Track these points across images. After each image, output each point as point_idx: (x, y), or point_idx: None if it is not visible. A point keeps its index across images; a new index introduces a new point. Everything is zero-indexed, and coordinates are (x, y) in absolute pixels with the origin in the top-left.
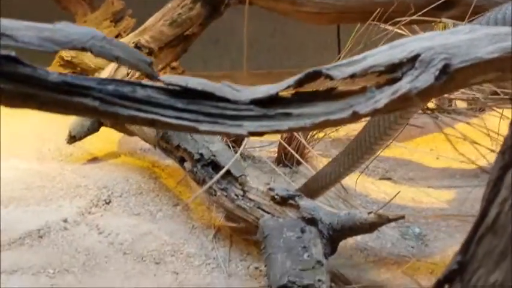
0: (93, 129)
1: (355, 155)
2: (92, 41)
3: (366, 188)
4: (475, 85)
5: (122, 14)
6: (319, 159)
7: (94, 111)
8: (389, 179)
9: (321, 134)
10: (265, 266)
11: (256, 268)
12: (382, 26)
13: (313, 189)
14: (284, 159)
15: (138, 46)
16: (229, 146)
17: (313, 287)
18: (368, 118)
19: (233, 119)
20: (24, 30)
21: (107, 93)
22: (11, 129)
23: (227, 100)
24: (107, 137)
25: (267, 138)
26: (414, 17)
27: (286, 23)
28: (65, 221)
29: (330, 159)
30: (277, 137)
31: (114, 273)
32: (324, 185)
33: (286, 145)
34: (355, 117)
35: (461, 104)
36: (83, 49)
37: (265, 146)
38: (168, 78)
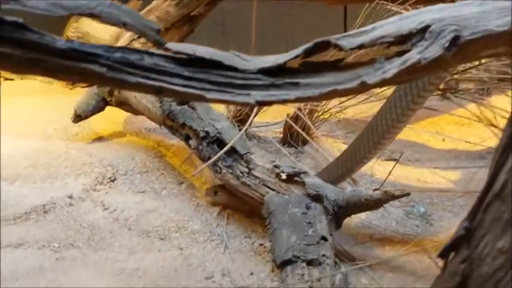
0: (98, 108)
1: (376, 135)
2: (99, 7)
3: (372, 168)
4: (484, 58)
5: None
6: (324, 139)
7: (101, 77)
8: (395, 160)
9: (326, 115)
10: (270, 241)
11: (261, 245)
12: (390, 6)
13: (334, 174)
14: (290, 139)
15: None
16: (234, 125)
17: (318, 261)
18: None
19: (241, 88)
20: None
21: (114, 60)
22: (16, 109)
23: (235, 69)
24: (112, 117)
25: (272, 118)
26: None
27: (294, 7)
28: (70, 197)
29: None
30: (282, 117)
31: (119, 248)
32: (345, 170)
33: (292, 124)
34: (363, 87)
35: (467, 86)
36: (91, 15)
37: (270, 126)
38: (176, 46)
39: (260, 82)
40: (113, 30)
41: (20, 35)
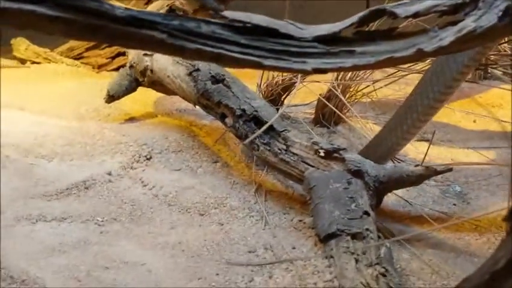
0: (131, 89)
1: (416, 113)
2: None
3: (405, 148)
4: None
5: None
6: (357, 120)
7: (161, 44)
8: (427, 140)
9: (358, 96)
10: (311, 216)
11: (300, 221)
12: None
13: (376, 154)
14: (322, 119)
15: (172, 9)
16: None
17: (362, 235)
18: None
19: (297, 55)
20: None
21: (172, 27)
22: (46, 91)
23: (291, 37)
24: (143, 99)
25: (302, 100)
26: None
27: None
28: (109, 174)
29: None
30: (314, 98)
31: (160, 223)
32: (387, 150)
33: (326, 102)
34: (420, 54)
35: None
36: None
37: (301, 107)
38: (232, 13)
39: (316, 50)
40: None
41: (80, 2)
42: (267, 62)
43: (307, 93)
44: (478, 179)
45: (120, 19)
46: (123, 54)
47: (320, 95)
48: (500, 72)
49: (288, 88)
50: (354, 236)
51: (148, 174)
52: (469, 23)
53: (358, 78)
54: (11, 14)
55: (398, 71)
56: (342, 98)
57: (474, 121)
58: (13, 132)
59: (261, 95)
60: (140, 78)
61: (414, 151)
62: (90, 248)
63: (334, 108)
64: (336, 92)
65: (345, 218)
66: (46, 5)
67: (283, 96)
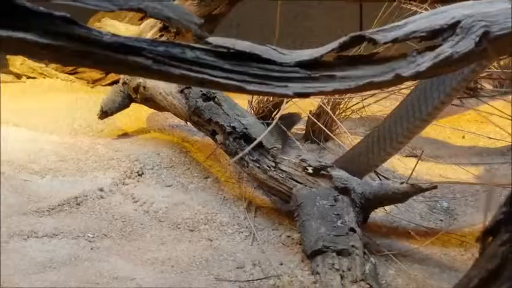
0: (124, 105)
1: (401, 128)
2: (146, 2)
3: (393, 164)
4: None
5: None
6: (347, 136)
7: (147, 69)
8: (416, 156)
9: (348, 112)
10: (299, 233)
11: (289, 236)
12: (408, 6)
13: (357, 167)
14: (312, 135)
15: (165, 26)
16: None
17: (347, 252)
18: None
19: (279, 80)
20: None
21: (157, 53)
22: (41, 106)
23: (273, 62)
24: (136, 115)
25: None
26: None
27: (309, 7)
28: (101, 190)
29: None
30: (304, 115)
31: (150, 239)
32: (367, 164)
33: (315, 120)
34: (398, 79)
35: (485, 84)
36: (139, 10)
37: None
38: (216, 40)
39: (297, 75)
40: (134, 30)
41: (69, 29)
42: (249, 87)
43: (298, 109)
44: (465, 195)
45: (107, 45)
46: None
47: (310, 111)
48: (490, 88)
49: (278, 105)
50: (340, 253)
51: (140, 190)
52: (446, 49)
53: (348, 95)
54: (2, 42)
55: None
56: (332, 115)
57: (463, 137)
58: (7, 148)
59: (252, 112)
60: (133, 95)
61: (403, 167)
62: (81, 264)
63: (323, 127)
64: (325, 108)
65: (331, 235)
66: (36, 33)
67: (274, 113)
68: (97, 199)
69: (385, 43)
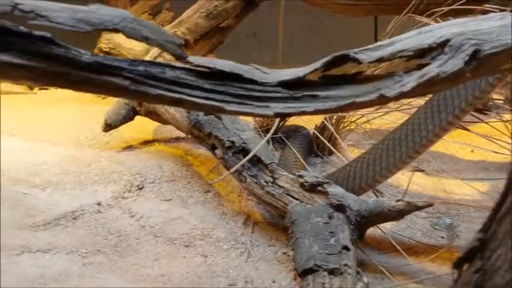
0: (128, 118)
1: (406, 147)
2: (123, 22)
3: (398, 179)
4: (505, 72)
5: (160, 8)
6: (350, 149)
7: (124, 90)
8: (422, 170)
9: (353, 126)
10: (292, 250)
11: (284, 253)
12: (418, 17)
13: (354, 185)
14: (316, 149)
15: None
16: (260, 135)
17: (339, 271)
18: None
19: (260, 100)
20: (59, 11)
21: (137, 73)
22: (49, 117)
23: (255, 82)
24: (142, 126)
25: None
26: (453, 7)
27: (323, 18)
28: (99, 204)
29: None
30: (309, 128)
31: (144, 255)
32: (367, 182)
33: (318, 135)
34: (381, 100)
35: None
36: (115, 30)
37: None
38: (196, 59)
39: (279, 95)
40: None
41: (47, 50)
42: (229, 107)
43: (302, 122)
44: (469, 211)
45: (85, 65)
46: None
47: (316, 125)
48: (501, 102)
49: (282, 118)
50: (331, 272)
51: (138, 204)
52: (432, 69)
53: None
54: None
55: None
56: (333, 131)
57: (472, 151)
58: (10, 160)
59: (256, 125)
60: (137, 108)
61: (407, 182)
62: (71, 281)
63: (325, 141)
64: (327, 124)
65: (323, 253)
66: (12, 53)
67: (274, 126)
68: (94, 213)
69: (370, 63)
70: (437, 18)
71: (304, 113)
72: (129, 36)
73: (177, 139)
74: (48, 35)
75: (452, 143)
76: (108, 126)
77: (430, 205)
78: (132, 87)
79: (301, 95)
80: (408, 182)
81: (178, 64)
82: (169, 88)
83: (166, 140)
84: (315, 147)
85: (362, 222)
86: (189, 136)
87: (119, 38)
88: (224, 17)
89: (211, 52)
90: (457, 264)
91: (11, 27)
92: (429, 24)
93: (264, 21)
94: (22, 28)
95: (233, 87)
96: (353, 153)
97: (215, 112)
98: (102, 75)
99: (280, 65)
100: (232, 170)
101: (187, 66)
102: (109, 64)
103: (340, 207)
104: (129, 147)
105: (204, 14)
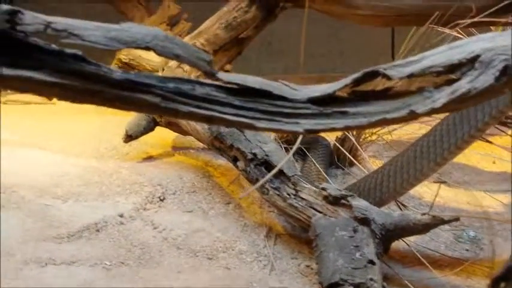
0: (149, 129)
1: (427, 159)
2: (154, 40)
3: (420, 191)
4: None
5: (177, 18)
6: (371, 160)
7: (155, 107)
8: (444, 182)
9: (373, 137)
10: (316, 263)
11: (307, 266)
12: (440, 29)
13: (375, 196)
14: (337, 160)
15: None
16: (281, 147)
17: (365, 285)
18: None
19: (290, 116)
20: (92, 29)
21: (167, 90)
22: (71, 128)
23: (284, 98)
24: (162, 137)
25: None
26: (475, 19)
27: (341, 27)
28: (121, 216)
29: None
30: (330, 139)
31: (167, 267)
32: (388, 194)
33: (339, 146)
34: (412, 116)
35: None
36: (147, 48)
37: None
38: (227, 76)
39: (309, 111)
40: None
41: (79, 67)
42: (259, 124)
43: (323, 133)
44: (493, 224)
45: (116, 83)
46: None
47: (336, 137)
48: None
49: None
50: (357, 286)
51: (160, 216)
52: (463, 85)
53: None
54: (11, 80)
55: None
56: (354, 142)
57: (494, 162)
58: (32, 172)
59: (276, 137)
60: (158, 118)
61: (430, 194)
62: None
63: (346, 152)
64: (348, 135)
65: (348, 268)
66: (44, 71)
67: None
68: (117, 225)
69: (400, 79)
70: (459, 30)
71: (334, 129)
72: (160, 54)
73: (197, 150)
74: (80, 52)
75: (474, 154)
76: (129, 137)
77: (457, 219)
78: (163, 105)
79: (331, 111)
80: (435, 196)
81: (207, 80)
82: (200, 105)
83: (186, 150)
84: (336, 158)
85: (387, 236)
86: (210, 147)
87: (139, 50)
88: (243, 28)
89: (229, 63)
90: (494, 283)
91: (43, 45)
92: (450, 35)
93: (277, 30)
94: (54, 46)
95: (263, 103)
96: (374, 164)
97: (245, 129)
98: (134, 93)
99: (299, 74)
100: (257, 184)
101: (216, 82)
102: (139, 81)
103: (364, 221)
104: (150, 158)
105: (223, 25)
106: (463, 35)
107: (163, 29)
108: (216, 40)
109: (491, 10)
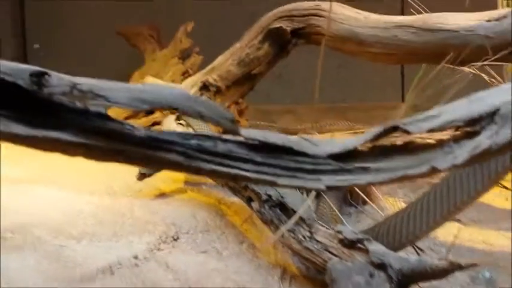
0: None
1: (447, 203)
2: (178, 100)
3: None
4: None
5: (189, 51)
6: (385, 197)
7: (178, 165)
8: (458, 220)
9: None
10: None
11: None
12: (456, 68)
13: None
14: (350, 198)
15: (206, 85)
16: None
17: None
18: None
19: (311, 173)
20: (116, 90)
21: (189, 147)
22: (82, 166)
23: (305, 154)
24: (174, 174)
25: None
26: (488, 62)
27: (351, 59)
28: (136, 257)
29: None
30: None
31: None
32: (407, 238)
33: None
34: (433, 172)
35: None
36: (170, 107)
37: None
38: (248, 132)
39: (330, 167)
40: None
41: (102, 124)
42: (281, 181)
43: None
44: (509, 263)
45: (139, 141)
46: (158, 124)
47: None
48: None
49: None
50: None
51: (174, 256)
52: (484, 140)
53: None
54: (38, 141)
55: None
56: None
57: (507, 199)
58: (46, 210)
59: None
60: None
61: (444, 233)
62: None
63: (359, 192)
64: None
65: None
66: (69, 131)
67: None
68: (131, 267)
69: (420, 133)
70: (475, 69)
71: (356, 185)
72: (184, 113)
73: (209, 185)
74: (104, 111)
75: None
76: (143, 175)
77: (474, 265)
78: (186, 163)
79: (352, 167)
80: (452, 239)
81: (228, 136)
82: (222, 162)
83: (199, 187)
84: (349, 196)
85: (403, 281)
86: (223, 186)
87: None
88: (256, 64)
89: (242, 98)
90: None
91: (67, 104)
92: (463, 75)
93: (287, 62)
94: (78, 105)
95: (284, 159)
96: (387, 202)
97: (267, 185)
98: (156, 151)
99: (310, 104)
100: (278, 232)
101: (237, 139)
102: (161, 138)
103: (381, 266)
104: (162, 195)
105: (236, 62)
106: (477, 72)
107: (175, 63)
108: (229, 76)
109: (507, 51)
